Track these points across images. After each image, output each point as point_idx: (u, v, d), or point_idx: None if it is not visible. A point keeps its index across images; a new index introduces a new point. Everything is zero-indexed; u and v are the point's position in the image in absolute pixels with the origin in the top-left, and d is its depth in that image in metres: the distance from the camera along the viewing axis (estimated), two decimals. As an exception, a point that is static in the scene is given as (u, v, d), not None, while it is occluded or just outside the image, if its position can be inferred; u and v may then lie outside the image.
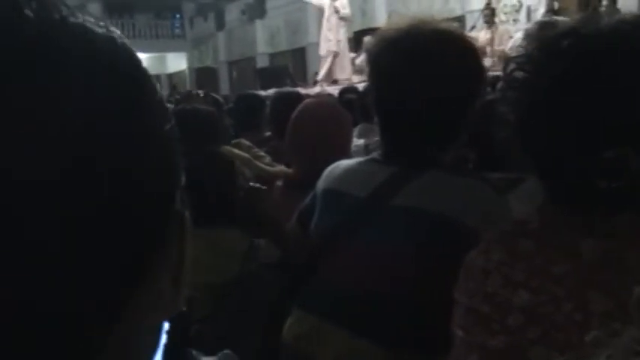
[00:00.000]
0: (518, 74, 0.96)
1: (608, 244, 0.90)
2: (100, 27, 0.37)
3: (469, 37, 1.58)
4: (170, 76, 30.24)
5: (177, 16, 28.61)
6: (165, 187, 0.39)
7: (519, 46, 0.97)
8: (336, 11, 11.36)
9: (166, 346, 0.49)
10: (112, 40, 0.37)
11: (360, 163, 1.56)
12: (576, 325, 0.87)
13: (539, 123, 0.94)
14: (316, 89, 10.29)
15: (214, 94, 3.96)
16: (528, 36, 1.00)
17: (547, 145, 0.94)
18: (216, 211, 1.90)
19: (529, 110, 0.95)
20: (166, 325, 0.49)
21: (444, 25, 1.50)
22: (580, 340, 0.85)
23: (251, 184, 2.24)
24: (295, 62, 19.60)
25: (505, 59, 1.07)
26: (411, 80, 1.42)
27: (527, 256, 0.95)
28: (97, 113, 0.34)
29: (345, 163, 1.59)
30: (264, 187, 2.22)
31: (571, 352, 0.86)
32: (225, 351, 1.19)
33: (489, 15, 9.51)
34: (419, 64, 1.42)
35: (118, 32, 0.39)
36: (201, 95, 3.60)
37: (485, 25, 9.39)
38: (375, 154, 1.56)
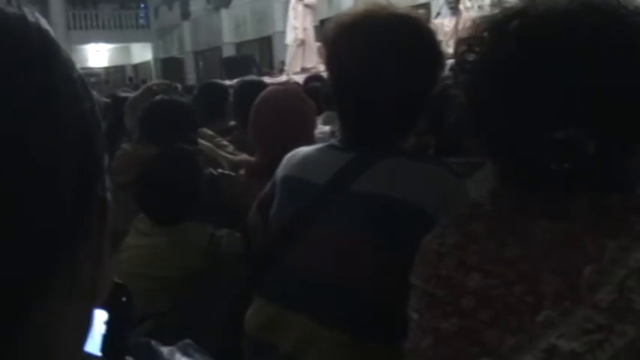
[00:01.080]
0: (469, 56, 0.96)
1: (560, 226, 0.90)
2: (12, 6, 0.36)
3: (426, 21, 1.57)
4: (135, 66, 29.94)
5: (142, 5, 28.30)
6: (83, 170, 0.38)
7: (470, 27, 0.96)
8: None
9: (105, 335, 0.48)
10: (22, 18, 0.36)
11: (319, 150, 1.55)
12: (528, 306, 0.87)
13: (490, 105, 0.94)
14: (282, 78, 10.27)
15: (175, 84, 3.92)
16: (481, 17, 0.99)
17: (498, 127, 0.94)
18: (178, 209, 1.89)
19: (480, 92, 0.94)
20: (105, 316, 0.48)
21: (401, 10, 1.48)
22: (532, 322, 0.86)
23: (219, 170, 2.22)
24: (262, 51, 19.54)
25: (456, 41, 1.06)
26: (367, 66, 1.41)
27: (480, 239, 0.95)
28: (3, 92, 0.33)
29: (304, 149, 1.58)
30: (232, 174, 2.20)
31: (523, 333, 0.86)
32: (186, 340, 1.18)
33: (454, 1, 9.55)
34: (375, 50, 1.41)
35: (33, 12, 0.37)
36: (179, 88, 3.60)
37: (450, 11, 9.42)
38: (334, 141, 1.55)
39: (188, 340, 1.10)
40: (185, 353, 1.08)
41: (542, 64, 0.88)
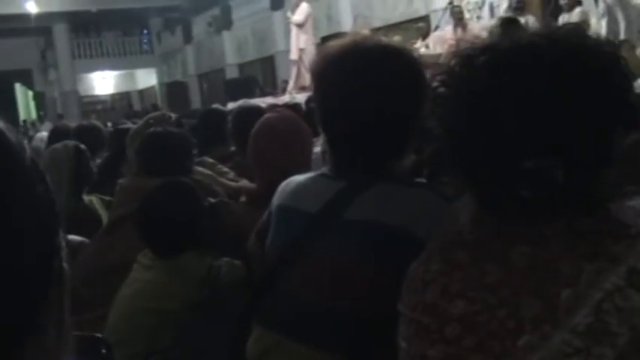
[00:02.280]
0: (442, 90, 0.99)
1: (538, 251, 0.93)
2: None
3: (411, 49, 1.61)
4: (140, 92, 30.12)
5: (145, 31, 28.50)
6: (42, 247, 0.41)
7: (442, 62, 0.99)
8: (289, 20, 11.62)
9: None
10: None
11: (310, 179, 1.58)
12: (510, 331, 0.89)
13: (464, 136, 0.96)
14: (285, 97, 10.33)
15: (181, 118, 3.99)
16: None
17: (473, 157, 0.97)
18: (179, 241, 1.92)
19: (453, 125, 0.97)
20: None
21: (386, 40, 1.52)
22: (514, 347, 0.88)
23: (219, 199, 2.25)
24: (264, 71, 19.62)
25: (430, 75, 1.10)
26: (354, 96, 1.44)
27: (463, 266, 0.98)
28: None
29: (297, 178, 1.61)
30: (230, 201, 2.23)
31: (506, 358, 0.88)
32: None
33: (459, 12, 9.56)
34: (361, 79, 1.44)
35: None
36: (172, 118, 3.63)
37: (459, 22, 9.43)
38: (324, 169, 1.58)
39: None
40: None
41: (510, 97, 0.91)
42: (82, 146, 3.22)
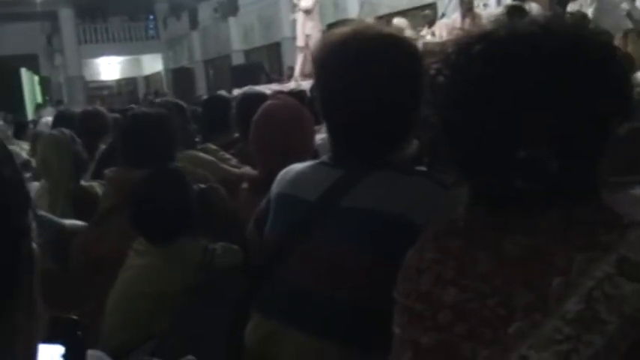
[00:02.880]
0: (439, 78, 0.99)
1: (530, 240, 0.93)
2: None
3: (412, 39, 1.62)
4: (146, 77, 30.11)
5: (151, 17, 28.45)
6: (7, 228, 0.41)
7: (439, 51, 1.00)
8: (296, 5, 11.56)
9: None
10: None
11: (310, 167, 1.59)
12: (501, 319, 0.90)
13: (459, 125, 0.97)
14: (291, 84, 10.32)
15: (177, 100, 3.97)
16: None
17: (467, 146, 0.97)
18: (171, 228, 1.93)
19: (449, 113, 0.98)
20: (61, 350, 0.53)
21: (387, 29, 1.53)
22: (505, 334, 0.89)
23: (209, 184, 2.26)
24: (270, 58, 19.59)
25: (427, 64, 1.11)
26: (354, 84, 1.45)
27: (456, 254, 0.99)
28: None
29: (296, 167, 1.62)
30: (218, 187, 2.24)
31: (496, 345, 0.89)
32: (188, 357, 1.22)
33: (469, 2, 9.49)
34: (362, 68, 1.45)
35: None
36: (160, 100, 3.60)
37: (468, 12, 9.37)
38: (324, 157, 1.59)
39: (190, 357, 1.14)
40: (188, 369, 1.12)
41: (505, 86, 0.92)
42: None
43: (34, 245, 0.45)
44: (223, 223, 2.10)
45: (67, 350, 0.51)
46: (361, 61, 1.46)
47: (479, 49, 0.94)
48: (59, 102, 20.23)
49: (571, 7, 7.10)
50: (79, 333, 0.52)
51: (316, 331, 1.41)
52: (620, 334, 0.83)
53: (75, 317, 0.53)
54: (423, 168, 1.72)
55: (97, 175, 3.42)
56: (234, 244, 1.98)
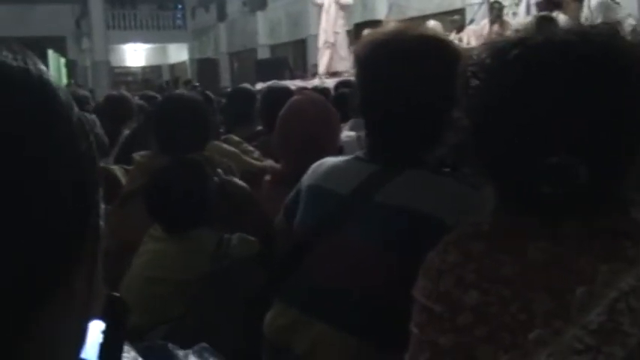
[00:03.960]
0: (472, 81, 0.99)
1: (555, 248, 0.93)
2: (17, 60, 0.42)
3: (452, 41, 1.63)
4: (172, 66, 30.24)
5: (179, 6, 28.58)
6: (80, 203, 0.43)
7: (474, 53, 1.00)
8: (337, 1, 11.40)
9: (102, 344, 0.53)
10: (25, 70, 0.41)
11: (344, 161, 1.60)
12: (521, 324, 0.90)
13: (491, 129, 0.97)
14: (315, 81, 10.31)
15: (206, 91, 3.99)
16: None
17: (497, 150, 0.97)
18: (188, 218, 1.94)
19: (481, 116, 0.98)
20: (102, 325, 0.53)
21: (431, 31, 1.55)
22: (524, 340, 0.89)
23: (229, 176, 2.26)
24: (295, 54, 19.60)
25: (461, 66, 1.12)
26: (395, 83, 1.47)
27: (478, 257, 0.99)
28: (9, 139, 0.38)
29: (330, 160, 1.64)
30: (235, 179, 2.24)
31: (516, 350, 0.89)
32: (202, 344, 1.22)
33: (499, 9, 9.46)
34: (404, 68, 1.47)
35: (38, 65, 0.43)
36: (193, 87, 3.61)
37: (497, 19, 9.34)
38: (359, 153, 1.60)
39: (204, 344, 1.15)
40: (200, 356, 1.13)
41: (538, 92, 0.92)
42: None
43: (102, 223, 0.47)
44: (241, 215, 2.10)
45: (107, 326, 0.52)
46: (404, 60, 1.48)
47: (515, 54, 0.94)
48: (69, 84, 20.19)
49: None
50: (120, 310, 0.53)
51: (336, 323, 1.43)
52: None
53: (117, 294, 0.54)
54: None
55: (119, 161, 3.45)
56: (251, 235, 1.98)
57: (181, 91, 2.85)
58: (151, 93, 5.75)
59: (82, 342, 0.48)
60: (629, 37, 0.95)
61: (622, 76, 0.91)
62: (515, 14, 11.21)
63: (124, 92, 4.93)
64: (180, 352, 1.07)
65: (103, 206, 0.47)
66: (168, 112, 2.42)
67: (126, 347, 0.57)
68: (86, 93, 5.72)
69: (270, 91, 3.59)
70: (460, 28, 10.41)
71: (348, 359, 1.42)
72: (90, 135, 0.45)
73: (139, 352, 0.62)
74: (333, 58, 11.46)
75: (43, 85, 0.42)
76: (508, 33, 1.05)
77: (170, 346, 1.04)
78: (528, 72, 0.93)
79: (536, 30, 1.01)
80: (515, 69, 0.94)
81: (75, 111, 0.44)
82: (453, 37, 9.66)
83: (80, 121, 0.44)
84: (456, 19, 11.42)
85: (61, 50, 24.45)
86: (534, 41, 0.94)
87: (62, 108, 0.43)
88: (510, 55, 0.94)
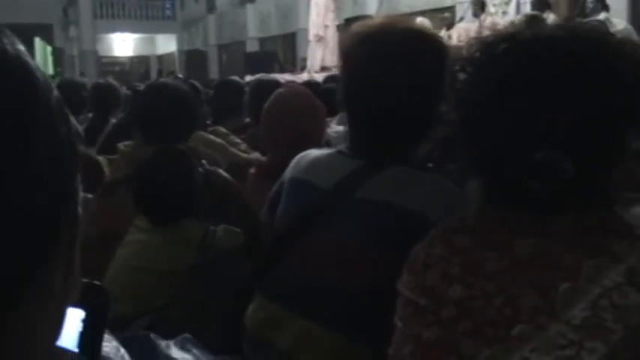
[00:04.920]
0: (461, 75, 0.99)
1: (541, 243, 0.94)
2: None
3: (440, 36, 1.62)
4: (159, 57, 30.08)
5: (169, -3, 28.44)
6: (56, 189, 0.42)
7: (463, 48, 1.00)
8: None
9: (82, 332, 0.52)
10: (2, 51, 0.40)
11: (327, 155, 1.58)
12: (505, 319, 0.90)
13: (478, 123, 0.97)
14: (304, 75, 10.28)
15: (193, 81, 3.96)
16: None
17: (485, 144, 0.97)
18: (174, 209, 1.93)
19: (470, 110, 0.98)
20: (82, 314, 0.53)
21: (417, 24, 1.53)
22: (508, 335, 0.89)
23: (214, 167, 2.25)
24: (285, 47, 19.57)
25: (449, 60, 1.12)
26: (379, 77, 1.45)
27: (463, 251, 0.99)
28: None
29: (313, 153, 1.62)
30: (217, 170, 2.23)
31: (499, 345, 0.89)
32: (185, 335, 1.21)
33: (478, 6, 9.52)
34: (389, 62, 1.45)
35: (15, 45, 0.41)
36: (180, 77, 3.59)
37: (474, 17, 9.40)
38: (342, 147, 1.59)
39: (187, 335, 1.14)
40: (182, 347, 1.12)
41: (526, 87, 0.92)
42: None
43: (79, 210, 0.46)
44: (225, 206, 2.09)
45: (87, 315, 0.51)
46: (389, 55, 1.45)
47: (503, 48, 0.94)
48: (57, 73, 20.04)
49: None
50: (101, 298, 0.53)
51: (317, 318, 1.41)
52: (624, 344, 0.83)
53: (98, 283, 0.53)
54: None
55: (105, 150, 3.42)
56: (236, 227, 1.97)
57: (165, 79, 2.80)
58: (139, 84, 5.71)
59: (59, 331, 0.47)
60: (615, 35, 0.95)
61: (609, 73, 0.91)
62: (505, 13, 11.25)
63: (112, 81, 4.89)
64: (162, 343, 1.06)
65: (82, 194, 0.46)
66: (151, 102, 2.40)
67: (107, 336, 0.56)
68: (84, 80, 5.67)
69: (258, 83, 3.58)
70: (450, 25, 10.42)
71: (332, 355, 1.41)
72: (69, 120, 0.44)
73: (120, 341, 0.61)
74: (323, 52, 11.41)
75: (20, 65, 0.41)
76: (495, 21, 1.05)
77: (152, 336, 1.04)
78: (516, 66, 0.93)
79: (525, 27, 1.01)
80: (503, 63, 0.94)
81: (54, 94, 0.43)
82: (442, 34, 9.68)
83: (59, 105, 0.43)
84: (446, 16, 11.44)
85: (48, 38, 24.23)
86: (523, 36, 0.94)
87: (40, 90, 0.41)
88: (499, 50, 0.94)
